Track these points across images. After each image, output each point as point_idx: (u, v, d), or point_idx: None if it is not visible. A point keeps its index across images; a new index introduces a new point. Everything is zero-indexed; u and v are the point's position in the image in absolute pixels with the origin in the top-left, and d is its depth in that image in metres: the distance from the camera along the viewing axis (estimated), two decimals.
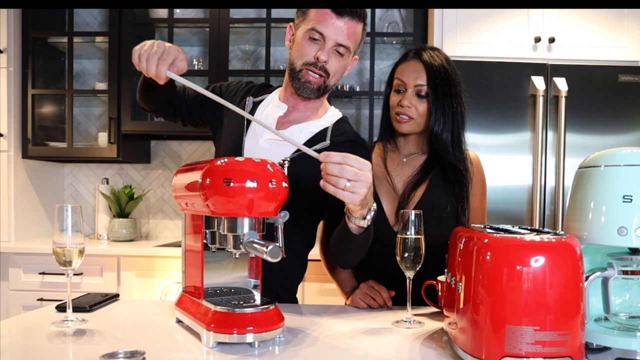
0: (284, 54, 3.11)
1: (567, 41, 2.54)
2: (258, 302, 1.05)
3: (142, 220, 3.22)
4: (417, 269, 1.14)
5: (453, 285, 0.93)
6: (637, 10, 2.54)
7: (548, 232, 0.87)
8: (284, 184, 0.97)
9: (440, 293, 1.19)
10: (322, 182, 0.99)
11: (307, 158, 1.05)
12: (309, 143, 1.34)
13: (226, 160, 0.95)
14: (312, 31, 1.27)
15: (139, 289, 2.58)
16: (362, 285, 1.36)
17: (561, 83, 2.34)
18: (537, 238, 0.82)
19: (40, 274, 2.57)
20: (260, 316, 0.96)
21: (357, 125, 3.13)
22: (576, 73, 2.37)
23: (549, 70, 2.37)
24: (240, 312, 0.96)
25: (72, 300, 1.20)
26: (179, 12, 2.92)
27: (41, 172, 3.01)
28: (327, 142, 1.35)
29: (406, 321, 1.14)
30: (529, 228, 0.94)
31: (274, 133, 1.12)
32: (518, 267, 0.79)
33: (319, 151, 1.05)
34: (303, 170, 1.19)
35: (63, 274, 1.20)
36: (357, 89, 3.02)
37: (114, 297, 1.33)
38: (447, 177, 1.43)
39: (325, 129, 1.38)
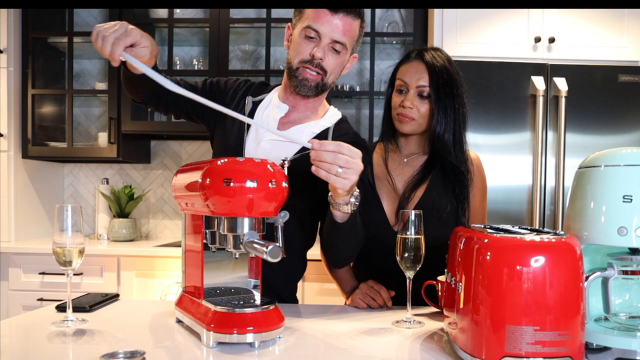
0: (284, 54, 3.11)
1: (567, 41, 2.54)
2: (258, 302, 1.05)
3: (142, 220, 3.22)
4: (417, 269, 1.14)
5: (453, 285, 0.93)
6: (637, 10, 2.54)
7: (548, 232, 0.87)
8: (284, 184, 0.97)
9: (440, 293, 1.19)
10: (313, 168, 1.03)
11: (308, 158, 1.05)
12: None
13: (226, 160, 0.95)
14: (307, 29, 1.27)
15: (139, 289, 2.58)
16: (362, 285, 1.36)
17: (561, 83, 2.34)
18: (537, 238, 0.82)
19: (40, 274, 2.57)
20: (260, 316, 0.96)
21: (357, 125, 3.13)
22: (576, 73, 2.37)
23: (549, 70, 2.37)
24: (240, 312, 0.96)
25: (72, 300, 1.20)
26: (179, 12, 2.92)
27: (41, 172, 3.01)
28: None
29: (406, 321, 1.14)
30: (529, 228, 0.94)
31: (275, 134, 1.12)
32: (518, 267, 0.79)
33: None
34: (303, 170, 1.19)
35: (63, 274, 1.20)
36: (357, 89, 3.02)
37: (114, 297, 1.33)
38: (447, 177, 1.43)
39: (327, 130, 1.38)
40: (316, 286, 2.49)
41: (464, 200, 1.42)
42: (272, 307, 0.99)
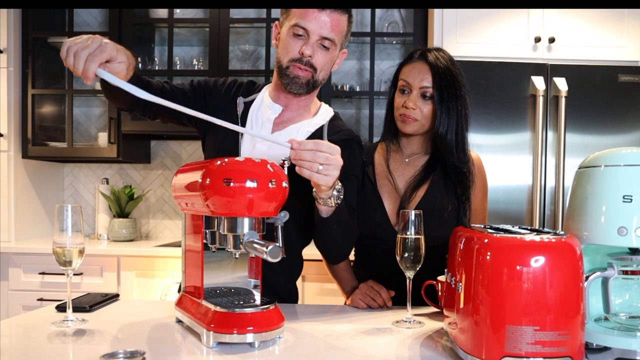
0: None
1: (567, 41, 2.54)
2: (258, 302, 1.05)
3: (142, 220, 3.22)
4: (417, 269, 1.14)
5: (453, 285, 0.93)
6: (637, 10, 2.54)
7: (548, 232, 0.87)
8: (284, 184, 0.97)
9: (440, 293, 1.19)
10: (297, 168, 1.06)
11: None
12: None
13: (226, 160, 0.95)
14: (295, 27, 1.27)
15: (139, 289, 2.58)
16: (362, 286, 1.36)
17: (561, 83, 2.34)
18: (537, 238, 0.82)
19: (40, 274, 2.56)
20: (260, 316, 0.96)
21: (357, 125, 3.13)
22: (576, 73, 2.37)
23: (549, 70, 2.37)
24: (240, 312, 0.96)
25: (72, 300, 1.20)
26: (179, 12, 2.92)
27: (41, 172, 3.01)
28: (325, 141, 1.35)
29: (406, 321, 1.14)
30: (529, 228, 0.94)
31: (266, 139, 1.11)
32: (518, 267, 0.79)
33: None
34: None
35: (63, 274, 1.19)
36: (357, 89, 3.02)
37: (114, 297, 1.33)
38: (448, 177, 1.43)
39: (321, 128, 1.39)
40: (316, 286, 2.49)
41: (465, 200, 1.42)
42: (272, 307, 0.99)
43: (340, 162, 1.08)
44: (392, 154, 1.51)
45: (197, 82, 1.43)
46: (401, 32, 3.02)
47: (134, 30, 2.86)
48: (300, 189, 1.16)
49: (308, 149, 1.04)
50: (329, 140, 1.34)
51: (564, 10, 2.54)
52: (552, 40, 2.52)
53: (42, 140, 2.89)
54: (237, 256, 1.06)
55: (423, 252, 1.13)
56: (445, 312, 1.00)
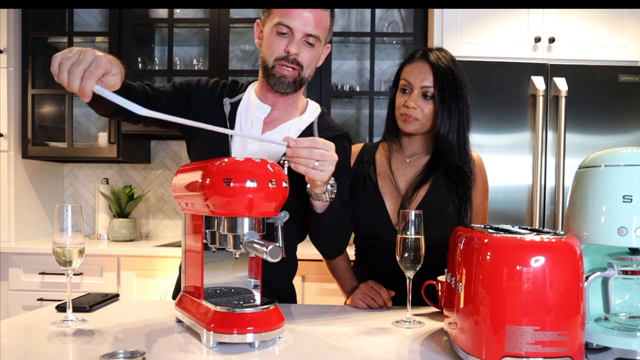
0: None
1: (567, 41, 2.54)
2: (258, 302, 1.05)
3: (142, 220, 3.22)
4: (417, 269, 1.14)
5: (453, 285, 0.93)
6: (637, 10, 2.54)
7: (548, 232, 0.87)
8: (284, 184, 0.97)
9: (440, 293, 1.19)
10: (293, 165, 1.08)
11: None
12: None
13: (226, 160, 0.95)
14: (279, 25, 1.26)
15: (139, 289, 2.58)
16: (362, 286, 1.36)
17: (561, 83, 2.34)
18: (537, 238, 0.82)
19: (40, 274, 2.56)
20: (260, 316, 0.96)
21: (357, 125, 3.13)
22: (576, 73, 2.37)
23: (549, 70, 2.37)
24: (240, 312, 0.96)
25: (72, 300, 1.20)
26: (179, 12, 2.92)
27: (41, 172, 3.01)
28: (320, 138, 1.35)
29: (406, 321, 1.14)
30: (529, 228, 0.94)
31: (261, 140, 1.11)
32: (518, 267, 0.79)
33: None
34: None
35: (63, 274, 1.19)
36: (357, 89, 3.02)
37: (114, 297, 1.33)
38: (450, 177, 1.43)
39: (311, 125, 1.39)
40: (316, 286, 2.49)
41: (467, 200, 1.42)
42: (272, 307, 0.99)
43: (335, 158, 1.10)
44: (394, 154, 1.51)
45: (180, 83, 1.40)
46: (401, 32, 3.02)
47: (134, 30, 2.86)
48: (296, 187, 1.17)
49: (304, 146, 1.05)
50: (320, 136, 1.35)
51: (564, 10, 2.54)
52: (552, 40, 2.52)
53: (42, 140, 2.89)
54: (237, 256, 1.06)
55: (423, 252, 1.13)
56: (445, 312, 1.00)
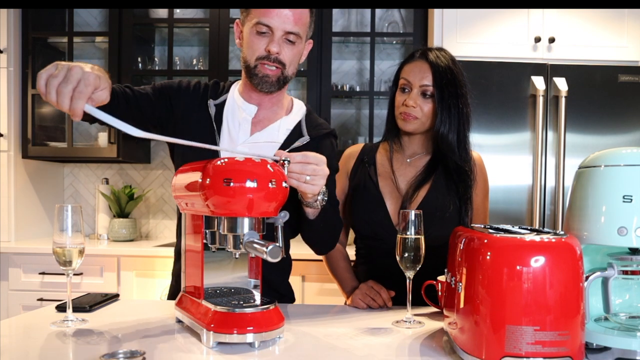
0: None
1: (567, 41, 2.54)
2: (258, 302, 1.05)
3: (142, 220, 3.22)
4: (417, 269, 1.14)
5: (453, 285, 0.93)
6: (637, 10, 2.54)
7: (548, 232, 0.87)
8: (284, 184, 0.97)
9: (440, 293, 1.19)
10: None
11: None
12: (289, 139, 1.35)
13: (226, 160, 0.95)
14: (258, 25, 1.25)
15: (139, 289, 2.57)
16: (362, 286, 1.36)
17: (561, 83, 2.34)
18: (537, 238, 0.82)
19: (40, 274, 2.56)
20: (260, 316, 0.96)
21: (357, 125, 3.13)
22: (576, 73, 2.37)
23: (549, 70, 2.37)
24: (240, 312, 0.96)
25: (72, 300, 1.20)
26: (179, 12, 2.92)
27: (41, 172, 3.01)
28: (307, 137, 1.36)
29: (406, 321, 1.14)
30: (529, 228, 0.94)
31: (257, 155, 1.10)
32: (518, 267, 0.79)
33: (299, 147, 1.30)
34: None
35: (63, 274, 1.19)
36: (357, 89, 3.02)
37: (114, 297, 1.33)
38: (450, 177, 1.43)
39: (299, 123, 1.39)
40: (316, 286, 2.49)
41: (467, 200, 1.42)
42: (272, 307, 0.99)
43: (327, 172, 1.12)
44: (394, 154, 1.51)
45: (160, 85, 1.38)
46: (401, 32, 3.02)
47: (134, 30, 2.86)
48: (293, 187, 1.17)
49: (296, 161, 1.07)
50: (311, 136, 1.36)
51: (564, 10, 2.54)
52: (552, 40, 2.52)
53: (42, 140, 2.89)
54: (237, 256, 1.06)
55: (423, 252, 1.13)
56: (445, 312, 1.00)
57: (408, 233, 1.13)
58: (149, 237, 3.20)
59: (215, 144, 1.32)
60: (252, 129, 1.35)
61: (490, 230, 0.90)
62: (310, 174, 1.08)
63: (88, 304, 1.22)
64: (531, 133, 2.37)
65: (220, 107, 1.37)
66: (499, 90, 2.37)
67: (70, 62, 0.94)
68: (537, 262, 0.79)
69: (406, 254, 1.13)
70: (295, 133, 1.37)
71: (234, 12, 2.96)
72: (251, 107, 1.35)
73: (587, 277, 0.90)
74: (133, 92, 1.30)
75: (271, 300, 1.03)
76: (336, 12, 3.05)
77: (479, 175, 1.49)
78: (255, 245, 0.93)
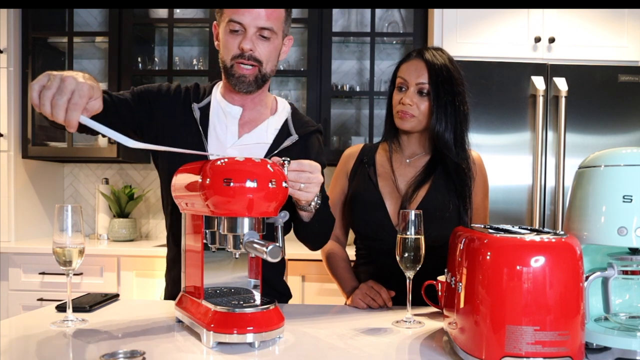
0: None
1: (567, 41, 2.54)
2: (258, 302, 1.05)
3: (142, 220, 3.22)
4: (417, 269, 1.14)
5: (453, 285, 0.93)
6: (637, 10, 2.54)
7: (548, 232, 0.87)
8: (284, 184, 0.97)
9: (440, 293, 1.19)
10: None
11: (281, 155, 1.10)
12: (277, 139, 1.35)
13: (226, 160, 0.95)
14: (230, 23, 1.24)
15: (139, 289, 2.58)
16: (362, 286, 1.36)
17: (561, 83, 2.34)
18: (537, 238, 0.82)
19: (40, 274, 2.57)
20: (260, 316, 0.96)
21: (357, 125, 3.13)
22: (576, 73, 2.37)
23: (549, 70, 2.37)
24: (240, 312, 0.96)
25: (72, 300, 1.20)
26: (179, 12, 2.92)
27: (41, 172, 3.01)
28: (295, 136, 1.36)
29: (406, 321, 1.14)
30: (529, 228, 0.94)
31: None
32: (518, 267, 0.79)
33: (289, 146, 1.32)
34: None
35: (63, 274, 1.19)
36: (357, 89, 3.02)
37: (114, 297, 1.33)
38: (450, 177, 1.43)
39: (286, 122, 1.39)
40: (316, 286, 2.49)
41: (465, 198, 1.42)
42: (272, 307, 0.99)
43: (321, 179, 1.12)
44: (394, 154, 1.51)
45: (139, 90, 1.36)
46: (401, 32, 3.02)
47: (134, 30, 2.86)
48: None
49: (291, 169, 1.07)
50: (299, 134, 1.36)
51: (564, 10, 2.54)
52: (552, 40, 2.52)
53: (42, 140, 2.89)
54: (237, 256, 1.06)
55: (423, 252, 1.13)
56: (445, 312, 1.00)
57: (408, 233, 1.13)
58: (149, 237, 3.20)
59: (203, 147, 1.31)
60: (240, 131, 1.34)
61: (490, 230, 0.90)
62: (305, 181, 1.09)
63: (88, 304, 1.22)
64: (531, 133, 2.37)
65: (204, 110, 1.35)
66: (499, 90, 2.37)
67: (62, 71, 0.93)
68: (537, 262, 0.79)
69: (406, 254, 1.13)
70: (283, 132, 1.37)
71: None
72: (236, 109, 1.34)
73: (587, 277, 0.90)
74: (111, 98, 1.27)
75: (271, 300, 1.03)
76: (336, 12, 3.05)
77: (479, 175, 1.49)
78: (255, 245, 0.93)
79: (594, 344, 0.89)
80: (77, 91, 0.90)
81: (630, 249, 0.92)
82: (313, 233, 1.32)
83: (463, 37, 2.56)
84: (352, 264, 1.55)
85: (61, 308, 1.20)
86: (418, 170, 1.47)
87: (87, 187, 3.23)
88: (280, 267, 1.46)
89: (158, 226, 3.22)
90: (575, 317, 0.80)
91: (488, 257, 0.82)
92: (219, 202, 0.93)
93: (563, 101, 2.32)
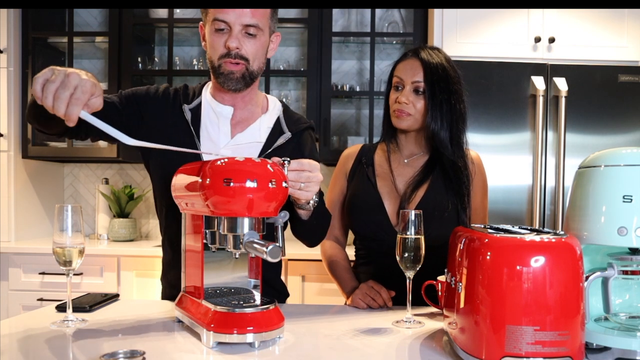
0: (284, 54, 3.11)
1: (567, 41, 2.54)
2: (258, 302, 1.05)
3: (142, 220, 3.22)
4: (417, 269, 1.14)
5: (453, 285, 0.93)
6: (637, 10, 2.54)
7: (548, 232, 0.87)
8: (284, 184, 0.97)
9: (440, 293, 1.19)
10: None
11: (274, 155, 1.11)
12: (270, 137, 1.35)
13: (226, 160, 0.95)
14: (215, 22, 1.23)
15: (139, 289, 2.58)
16: (362, 286, 1.36)
17: (561, 83, 2.34)
18: (537, 238, 0.82)
19: (40, 274, 2.56)
20: (260, 316, 0.96)
21: (357, 125, 3.13)
22: (576, 73, 2.37)
23: (549, 70, 2.37)
24: (240, 312, 0.96)
25: (72, 300, 1.20)
26: (179, 12, 2.92)
27: (41, 172, 3.01)
28: (288, 134, 1.36)
29: (406, 321, 1.14)
30: (529, 228, 0.94)
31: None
32: (518, 267, 0.79)
33: (283, 144, 1.32)
34: None
35: (63, 274, 1.19)
36: (357, 89, 3.02)
37: (114, 297, 1.33)
38: (448, 176, 1.43)
39: (278, 120, 1.39)
40: (316, 286, 2.49)
41: (463, 196, 1.42)
42: (272, 307, 0.99)
43: (320, 178, 1.12)
44: (392, 155, 1.51)
45: (127, 93, 1.35)
46: (401, 32, 3.02)
47: (134, 30, 2.86)
48: None
49: (291, 169, 1.07)
50: (291, 131, 1.36)
51: (564, 10, 2.54)
52: (552, 40, 2.52)
53: (42, 140, 2.89)
54: (237, 256, 1.06)
55: (423, 252, 1.13)
56: (445, 312, 1.00)
57: (408, 233, 1.13)
58: (149, 237, 3.20)
59: (196, 149, 1.31)
60: (232, 131, 1.34)
61: (490, 230, 0.90)
62: (305, 181, 1.09)
63: (88, 304, 1.22)
64: (531, 133, 2.37)
65: (195, 111, 1.35)
66: (499, 90, 2.37)
67: (65, 67, 0.95)
68: (537, 262, 0.79)
69: (406, 254, 1.13)
70: (276, 130, 1.36)
71: None
72: (227, 109, 1.34)
73: (587, 277, 0.90)
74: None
75: (271, 300, 1.03)
76: (336, 12, 3.05)
77: (478, 175, 1.49)
78: (255, 245, 0.93)
79: (594, 344, 0.89)
80: (80, 87, 0.91)
81: (630, 249, 0.92)
82: (311, 230, 1.32)
83: (463, 37, 2.56)
84: (352, 264, 1.55)
85: (61, 308, 1.20)
86: (416, 170, 1.47)
87: (87, 187, 3.23)
88: (277, 266, 1.46)
89: (158, 226, 3.21)
90: (575, 317, 0.80)
91: (488, 257, 0.82)
92: (219, 202, 0.93)
93: (563, 101, 2.32)
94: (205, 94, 1.37)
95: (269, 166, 0.96)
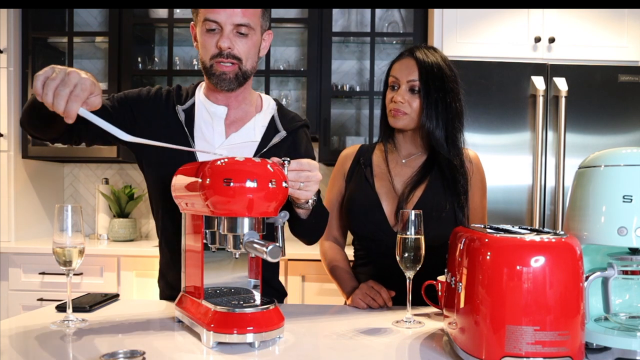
0: (284, 54, 3.11)
1: (567, 41, 2.54)
2: (258, 302, 1.05)
3: (142, 220, 3.22)
4: (417, 269, 1.14)
5: (453, 285, 0.93)
6: (637, 10, 2.54)
7: (548, 232, 0.87)
8: (284, 184, 0.97)
9: (440, 293, 1.19)
10: None
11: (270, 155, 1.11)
12: (265, 136, 1.35)
13: (226, 160, 0.95)
14: (206, 22, 1.23)
15: (139, 289, 2.58)
16: (362, 286, 1.36)
17: (561, 83, 2.34)
18: (537, 238, 0.82)
19: (40, 274, 2.56)
20: (260, 316, 0.96)
21: (357, 125, 3.13)
22: (576, 73, 2.37)
23: (549, 70, 2.37)
24: (240, 312, 0.96)
25: (72, 300, 1.20)
26: (179, 12, 2.92)
27: (41, 172, 3.01)
28: (283, 132, 1.36)
29: (406, 321, 1.14)
30: (529, 228, 0.94)
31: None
32: (518, 267, 0.79)
33: (278, 143, 1.32)
34: None
35: (63, 274, 1.19)
36: (357, 89, 3.02)
37: (114, 297, 1.33)
38: (446, 177, 1.43)
39: (272, 118, 1.39)
40: (316, 286, 2.49)
41: (459, 195, 1.42)
42: (272, 307, 0.99)
43: (320, 177, 1.12)
44: (390, 155, 1.51)
45: (119, 97, 1.35)
46: (401, 32, 3.02)
47: (134, 30, 2.86)
48: None
49: (291, 169, 1.07)
50: (287, 129, 1.36)
51: (564, 10, 2.54)
52: (552, 40, 2.52)
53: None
54: (237, 256, 1.06)
55: (423, 252, 1.14)
56: (445, 312, 1.00)
57: (408, 233, 1.13)
58: (149, 237, 3.20)
59: (193, 152, 1.30)
60: (227, 131, 1.34)
61: (490, 230, 0.90)
62: (304, 180, 1.09)
63: (88, 304, 1.22)
64: (531, 133, 2.37)
65: (189, 112, 1.35)
66: (499, 90, 2.37)
67: (66, 66, 0.96)
68: (537, 262, 0.79)
69: (406, 254, 1.13)
70: (271, 129, 1.36)
71: None
72: (221, 109, 1.34)
73: (587, 277, 0.90)
74: None
75: (271, 300, 1.03)
76: (336, 12, 3.05)
77: (476, 174, 1.49)
78: (255, 245, 0.93)
79: (594, 344, 0.89)
80: (79, 84, 0.92)
81: (630, 249, 0.92)
82: (310, 229, 1.32)
83: (463, 37, 2.56)
84: (352, 264, 1.55)
85: (61, 308, 1.20)
86: (414, 170, 1.47)
87: (87, 187, 3.23)
88: (275, 265, 1.46)
89: None
90: (575, 317, 0.80)
91: (488, 257, 0.82)
92: (219, 202, 0.93)
93: (563, 101, 2.32)
94: (199, 94, 1.37)
95: (269, 166, 0.96)
